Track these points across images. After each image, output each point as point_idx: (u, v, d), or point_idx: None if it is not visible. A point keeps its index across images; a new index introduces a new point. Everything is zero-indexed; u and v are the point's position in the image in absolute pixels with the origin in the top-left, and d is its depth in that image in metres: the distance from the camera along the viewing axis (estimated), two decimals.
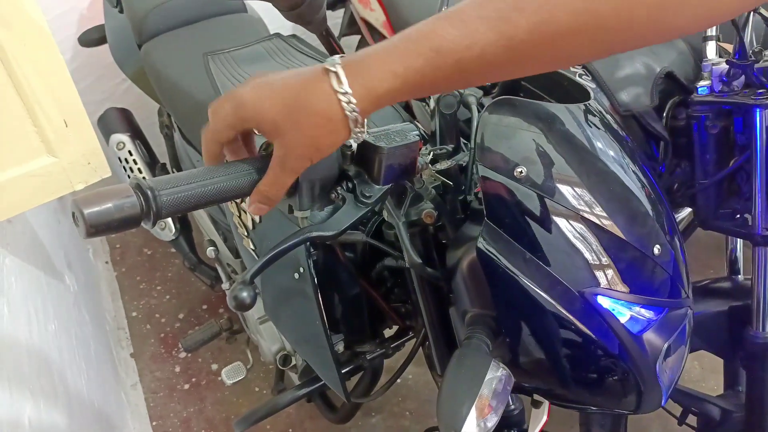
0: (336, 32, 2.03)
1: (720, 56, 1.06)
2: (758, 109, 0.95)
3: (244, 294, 0.47)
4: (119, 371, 1.73)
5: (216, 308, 1.94)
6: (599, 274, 0.62)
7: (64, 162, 0.99)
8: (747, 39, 0.97)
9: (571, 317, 0.62)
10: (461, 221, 0.72)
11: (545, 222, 0.61)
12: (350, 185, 0.58)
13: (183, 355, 1.80)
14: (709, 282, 1.21)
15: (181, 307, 1.94)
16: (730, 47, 1.04)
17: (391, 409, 1.65)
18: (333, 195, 0.58)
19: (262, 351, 1.29)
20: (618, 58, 1.10)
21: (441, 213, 0.70)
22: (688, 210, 1.24)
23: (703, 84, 1.03)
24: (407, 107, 1.67)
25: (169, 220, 1.56)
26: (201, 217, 1.47)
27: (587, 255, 0.62)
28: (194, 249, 1.58)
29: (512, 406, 0.92)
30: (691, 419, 1.26)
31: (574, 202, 0.61)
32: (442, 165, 0.72)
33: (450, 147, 0.79)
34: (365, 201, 0.57)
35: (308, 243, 0.82)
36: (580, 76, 1.11)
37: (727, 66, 0.99)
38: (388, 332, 1.04)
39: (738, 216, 1.07)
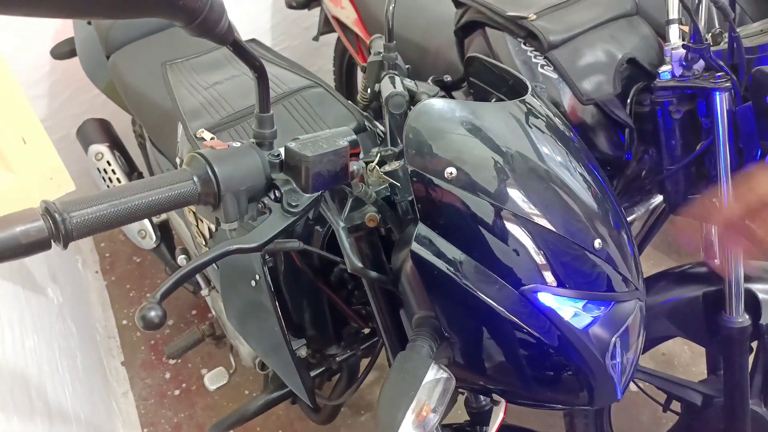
0: (314, 32, 2.03)
1: (683, 40, 1.04)
2: (717, 92, 0.94)
3: (152, 314, 0.47)
4: (110, 380, 1.74)
5: (205, 314, 1.94)
6: (538, 271, 0.62)
7: (25, 178, 1.00)
8: (702, 23, 0.96)
9: (511, 316, 0.62)
10: (410, 223, 0.72)
11: (479, 222, 0.60)
12: (278, 195, 0.58)
13: (173, 361, 1.81)
14: (686, 268, 1.20)
15: (170, 313, 1.95)
16: None
17: None
18: (260, 205, 0.58)
19: (241, 356, 1.29)
20: (579, 47, 1.09)
21: (387, 215, 0.70)
22: (660, 197, 1.23)
23: (664, 69, 1.02)
24: (379, 108, 1.66)
25: (149, 227, 1.57)
26: (179, 225, 1.47)
27: (525, 253, 0.61)
28: (175, 257, 1.59)
29: (483, 403, 0.92)
30: (676, 405, 1.26)
31: (507, 200, 0.60)
32: (390, 166, 0.72)
33: (398, 148, 0.79)
34: (292, 210, 0.57)
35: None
36: (542, 67, 1.10)
37: (685, 50, 0.97)
38: (364, 332, 1.04)
39: (706, 200, 1.06)
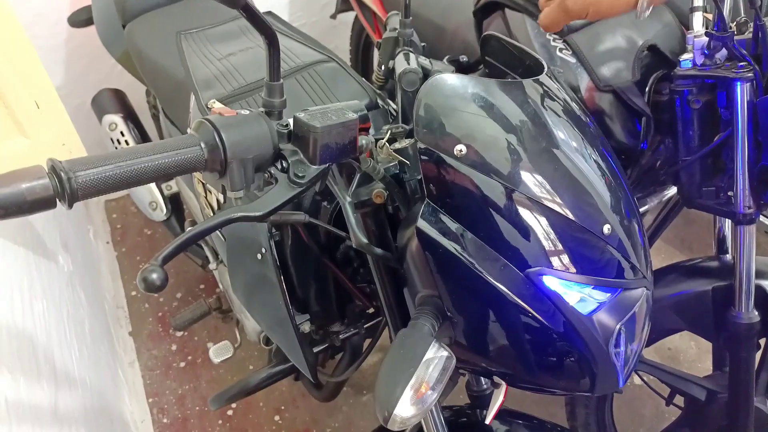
0: (332, 9, 2.01)
1: (707, 28, 1.02)
2: (739, 83, 0.92)
3: (154, 276, 0.47)
4: (117, 349, 1.76)
5: (213, 287, 1.96)
6: (545, 254, 0.61)
7: (38, 143, 1.00)
8: (727, 11, 0.94)
9: (516, 299, 0.61)
10: (418, 201, 0.71)
11: (487, 202, 0.60)
12: (285, 165, 0.57)
13: (180, 333, 1.83)
14: (697, 261, 1.19)
15: (179, 286, 1.97)
16: None
17: None
18: (266, 175, 0.57)
19: (246, 330, 1.30)
20: (599, 32, 1.07)
21: (394, 193, 0.69)
22: (674, 189, 1.21)
23: (685, 57, 0.99)
24: (394, 89, 1.65)
25: (160, 199, 1.57)
26: (189, 198, 1.48)
27: (532, 235, 0.60)
28: (184, 230, 1.59)
29: (484, 386, 0.92)
30: (679, 399, 1.25)
31: (517, 181, 0.60)
32: (400, 144, 0.71)
33: (409, 126, 0.78)
34: (298, 181, 0.56)
35: (269, 223, 0.82)
36: (561, 50, 1.09)
37: (708, 38, 0.95)
38: (369, 312, 1.04)
39: (721, 194, 1.04)
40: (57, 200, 0.47)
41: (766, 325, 1.06)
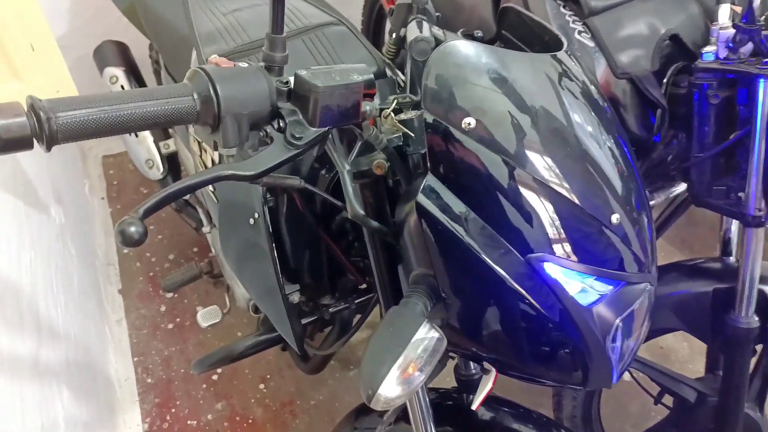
0: None
1: (732, 21, 0.98)
2: (762, 79, 0.88)
3: (132, 229, 0.44)
4: (105, 306, 1.74)
5: (206, 251, 1.93)
6: (548, 240, 0.58)
7: (31, 88, 0.97)
8: (757, 3, 0.90)
9: (514, 284, 0.59)
10: (420, 176, 0.68)
11: (492, 181, 0.57)
12: (282, 124, 0.54)
13: (170, 295, 1.81)
14: (699, 262, 1.17)
15: (172, 247, 1.94)
16: None
17: None
18: (262, 134, 0.54)
19: (236, 297, 1.28)
20: (620, 17, 1.03)
21: (396, 165, 0.66)
22: (682, 186, 1.18)
23: (708, 50, 0.96)
24: (404, 63, 1.60)
25: (157, 158, 1.54)
26: (187, 158, 1.45)
27: (537, 219, 0.58)
28: None
29: (473, 371, 0.90)
30: (668, 399, 1.24)
31: (526, 161, 0.57)
32: (406, 115, 0.68)
33: (417, 97, 0.75)
34: (294, 143, 0.53)
35: (264, 188, 0.79)
36: (580, 33, 1.05)
37: (735, 31, 0.91)
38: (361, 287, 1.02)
39: (732, 194, 1.01)
40: (34, 141, 0.44)
41: (764, 331, 1.04)
